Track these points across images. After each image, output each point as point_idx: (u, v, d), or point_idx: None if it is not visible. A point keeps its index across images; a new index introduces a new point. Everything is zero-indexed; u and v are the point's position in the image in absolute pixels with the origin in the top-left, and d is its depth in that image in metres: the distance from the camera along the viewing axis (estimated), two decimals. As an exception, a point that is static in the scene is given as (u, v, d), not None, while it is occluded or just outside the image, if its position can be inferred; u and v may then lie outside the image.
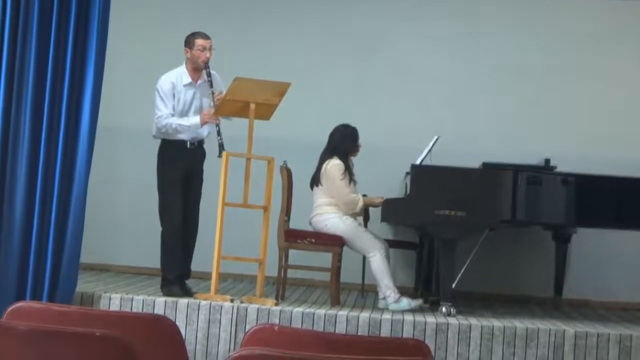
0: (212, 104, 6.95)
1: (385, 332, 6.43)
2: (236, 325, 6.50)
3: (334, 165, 7.34)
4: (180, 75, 7.06)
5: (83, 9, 6.62)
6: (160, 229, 7.05)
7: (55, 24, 6.59)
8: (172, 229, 6.98)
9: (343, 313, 6.57)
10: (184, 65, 7.09)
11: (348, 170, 7.37)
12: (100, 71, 6.65)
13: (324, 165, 7.36)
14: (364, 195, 7.46)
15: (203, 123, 6.96)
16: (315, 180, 7.41)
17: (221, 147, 6.81)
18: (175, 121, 6.95)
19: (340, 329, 6.45)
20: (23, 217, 6.54)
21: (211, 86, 6.94)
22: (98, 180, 7.57)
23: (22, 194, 6.55)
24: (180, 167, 7.00)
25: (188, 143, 7.02)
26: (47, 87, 6.57)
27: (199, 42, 6.99)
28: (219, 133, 6.87)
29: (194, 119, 6.97)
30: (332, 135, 7.47)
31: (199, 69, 7.04)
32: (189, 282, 7.12)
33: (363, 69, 8.93)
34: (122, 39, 8.26)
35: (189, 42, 7.04)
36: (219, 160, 6.79)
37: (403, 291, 7.26)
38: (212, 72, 6.99)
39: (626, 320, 7.46)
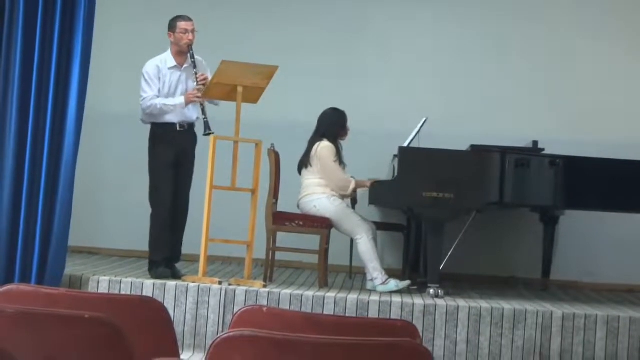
0: (196, 84, 6.96)
1: (373, 313, 6.45)
2: (224, 307, 6.52)
3: (325, 147, 7.31)
4: (165, 59, 7.10)
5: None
6: (149, 211, 7.05)
7: (42, 11, 6.57)
8: (161, 211, 6.99)
9: (331, 295, 6.58)
10: (169, 50, 7.13)
11: (338, 153, 7.36)
12: (87, 54, 6.65)
13: (315, 148, 7.32)
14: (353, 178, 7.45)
15: (188, 103, 6.99)
16: (304, 163, 7.38)
17: (207, 125, 6.85)
18: (160, 101, 6.97)
19: (329, 310, 6.47)
20: (11, 201, 6.55)
21: (195, 67, 6.95)
22: (86, 164, 7.53)
23: (10, 178, 6.55)
24: (170, 150, 7.01)
25: (177, 125, 7.03)
26: (34, 72, 6.56)
27: (181, 24, 7.01)
28: (204, 112, 6.91)
29: (178, 99, 7.00)
30: (321, 119, 7.44)
31: (183, 52, 7.05)
32: (178, 265, 7.12)
33: (349, 52, 8.89)
34: (109, 22, 8.23)
35: (171, 25, 7.07)
36: (207, 144, 6.81)
37: (391, 273, 7.26)
38: (197, 57, 7.02)
39: (614, 301, 7.49)
